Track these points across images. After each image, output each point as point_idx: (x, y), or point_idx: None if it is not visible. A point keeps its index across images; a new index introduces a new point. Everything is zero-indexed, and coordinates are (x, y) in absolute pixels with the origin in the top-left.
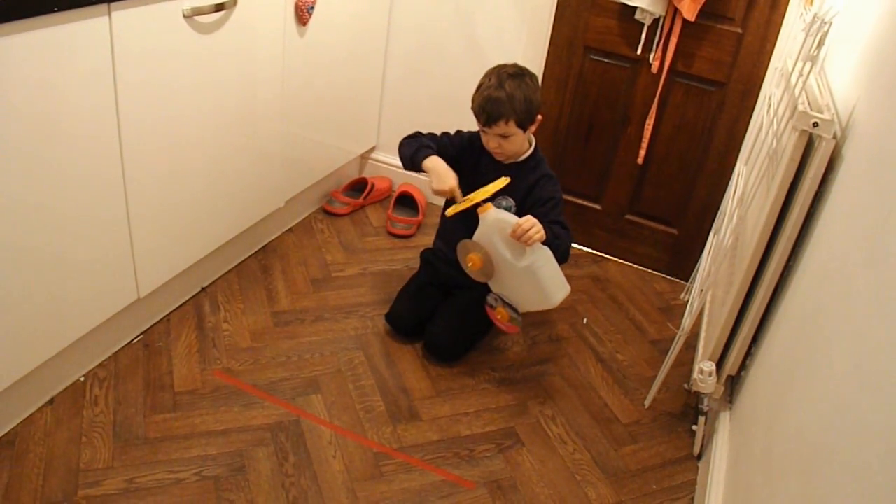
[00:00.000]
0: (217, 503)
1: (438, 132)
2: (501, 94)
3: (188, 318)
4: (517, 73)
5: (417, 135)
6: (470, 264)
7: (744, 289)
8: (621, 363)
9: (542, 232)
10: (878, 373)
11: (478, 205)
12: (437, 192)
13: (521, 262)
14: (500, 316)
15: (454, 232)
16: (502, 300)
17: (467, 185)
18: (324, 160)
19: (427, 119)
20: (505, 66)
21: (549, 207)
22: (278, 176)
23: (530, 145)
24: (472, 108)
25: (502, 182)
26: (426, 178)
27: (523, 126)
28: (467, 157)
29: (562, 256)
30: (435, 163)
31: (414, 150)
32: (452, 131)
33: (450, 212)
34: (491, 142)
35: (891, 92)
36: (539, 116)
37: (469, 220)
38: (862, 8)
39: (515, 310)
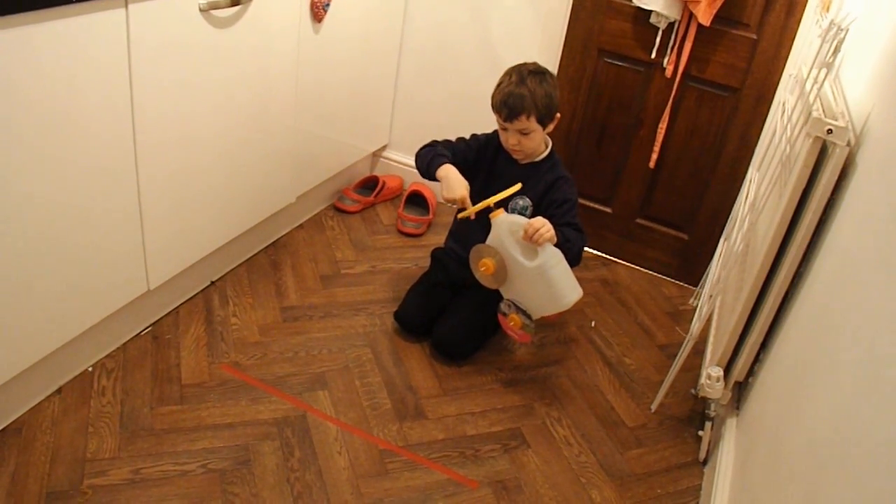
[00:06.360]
0: (222, 496)
1: (452, 134)
2: (523, 90)
3: (197, 312)
4: (538, 71)
5: (433, 143)
6: (483, 269)
7: (753, 295)
8: (629, 367)
9: (553, 232)
10: (888, 381)
11: (490, 209)
12: (448, 201)
13: (533, 262)
14: (512, 323)
15: (468, 232)
16: (515, 306)
17: (484, 186)
18: (335, 157)
19: (440, 119)
20: (525, 64)
21: (565, 210)
22: (290, 172)
23: (546, 147)
24: (493, 104)
25: (515, 188)
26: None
27: (543, 122)
28: (484, 158)
29: (574, 259)
30: (447, 171)
31: (429, 159)
32: (466, 133)
33: (462, 214)
34: (511, 139)
35: None
36: (558, 115)
37: (483, 220)
38: (879, 15)
39: (529, 316)
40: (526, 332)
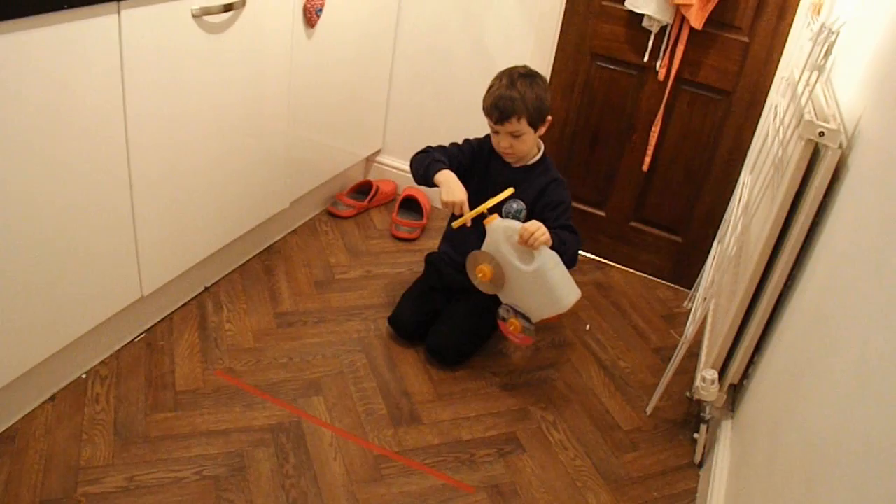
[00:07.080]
0: (216, 503)
1: (446, 138)
2: (513, 92)
3: (191, 318)
4: (528, 74)
5: (428, 150)
6: (480, 276)
7: (747, 297)
8: (623, 370)
9: (548, 234)
10: (883, 382)
11: (484, 215)
12: (446, 204)
13: (530, 266)
14: (512, 328)
15: (462, 236)
16: (514, 311)
17: (478, 190)
18: (329, 162)
19: (433, 124)
20: (515, 67)
21: (560, 212)
22: (283, 177)
23: (539, 150)
24: (484, 107)
25: (507, 192)
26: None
27: (534, 124)
28: (477, 162)
29: (569, 261)
30: (446, 176)
31: (426, 165)
32: (460, 137)
33: (456, 223)
34: (502, 141)
35: None
36: (549, 117)
37: (477, 225)
38: (869, 18)
39: (528, 319)
40: (527, 336)
